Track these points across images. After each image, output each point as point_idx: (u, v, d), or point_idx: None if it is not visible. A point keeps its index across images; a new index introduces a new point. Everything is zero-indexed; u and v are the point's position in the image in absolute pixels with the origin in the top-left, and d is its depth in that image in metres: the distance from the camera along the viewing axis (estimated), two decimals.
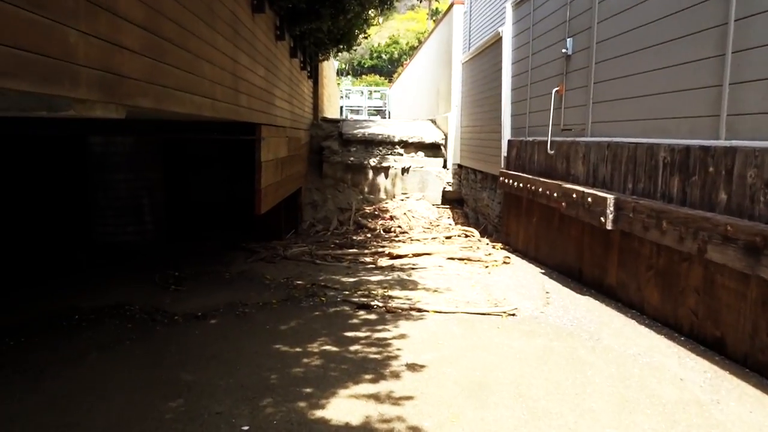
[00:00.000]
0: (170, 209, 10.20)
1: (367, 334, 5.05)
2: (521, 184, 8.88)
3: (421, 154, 14.26)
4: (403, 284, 6.99)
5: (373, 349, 4.66)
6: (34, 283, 6.91)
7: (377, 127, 15.06)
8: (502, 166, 10.35)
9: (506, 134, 10.36)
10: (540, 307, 5.99)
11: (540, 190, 8.02)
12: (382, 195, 14.01)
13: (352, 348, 4.70)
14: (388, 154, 14.16)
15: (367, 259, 8.62)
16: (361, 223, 12.35)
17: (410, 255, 8.83)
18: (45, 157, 9.70)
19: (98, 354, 4.56)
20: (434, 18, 45.21)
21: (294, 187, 10.78)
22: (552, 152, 8.02)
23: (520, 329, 5.24)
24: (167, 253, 8.99)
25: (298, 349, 4.67)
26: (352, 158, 13.92)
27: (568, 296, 6.38)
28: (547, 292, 6.58)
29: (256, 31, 7.01)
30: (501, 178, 9.96)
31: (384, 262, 8.48)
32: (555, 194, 7.42)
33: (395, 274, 7.50)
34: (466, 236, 11.09)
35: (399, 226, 12.06)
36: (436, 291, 6.65)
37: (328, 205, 13.19)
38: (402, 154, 14.19)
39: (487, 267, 8.09)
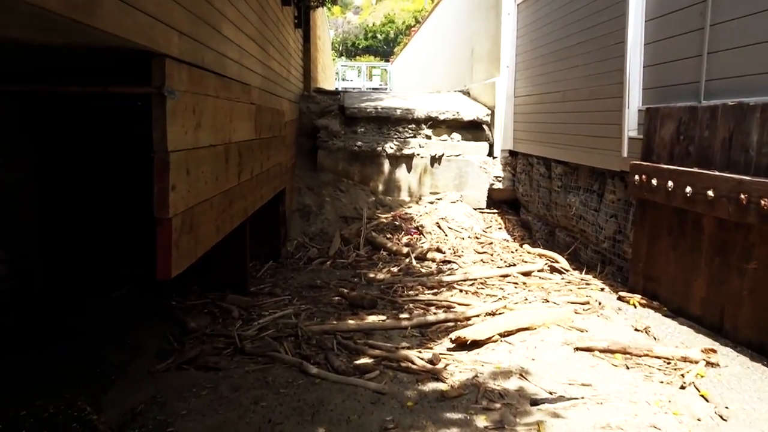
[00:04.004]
0: (54, 233, 5.44)
1: None
2: (708, 191, 4.26)
3: (457, 137, 9.53)
4: None
5: None
6: None
7: (392, 100, 10.30)
8: (625, 154, 5.72)
9: (634, 100, 5.71)
10: None
11: None
12: (404, 196, 9.31)
13: None
14: (411, 137, 9.43)
15: (417, 359, 3.84)
16: (376, 241, 7.68)
17: (495, 338, 4.17)
18: None
19: None
20: None
21: (270, 191, 6.07)
22: None
23: None
24: (17, 330, 4.30)
25: None
26: (359, 143, 9.19)
27: None
28: None
29: None
30: (634, 177, 5.31)
31: (455, 365, 3.75)
32: None
33: None
34: (552, 270, 6.46)
35: (438, 249, 7.39)
36: None
37: (326, 212, 8.48)
38: (430, 137, 9.47)
39: (684, 385, 3.46)
